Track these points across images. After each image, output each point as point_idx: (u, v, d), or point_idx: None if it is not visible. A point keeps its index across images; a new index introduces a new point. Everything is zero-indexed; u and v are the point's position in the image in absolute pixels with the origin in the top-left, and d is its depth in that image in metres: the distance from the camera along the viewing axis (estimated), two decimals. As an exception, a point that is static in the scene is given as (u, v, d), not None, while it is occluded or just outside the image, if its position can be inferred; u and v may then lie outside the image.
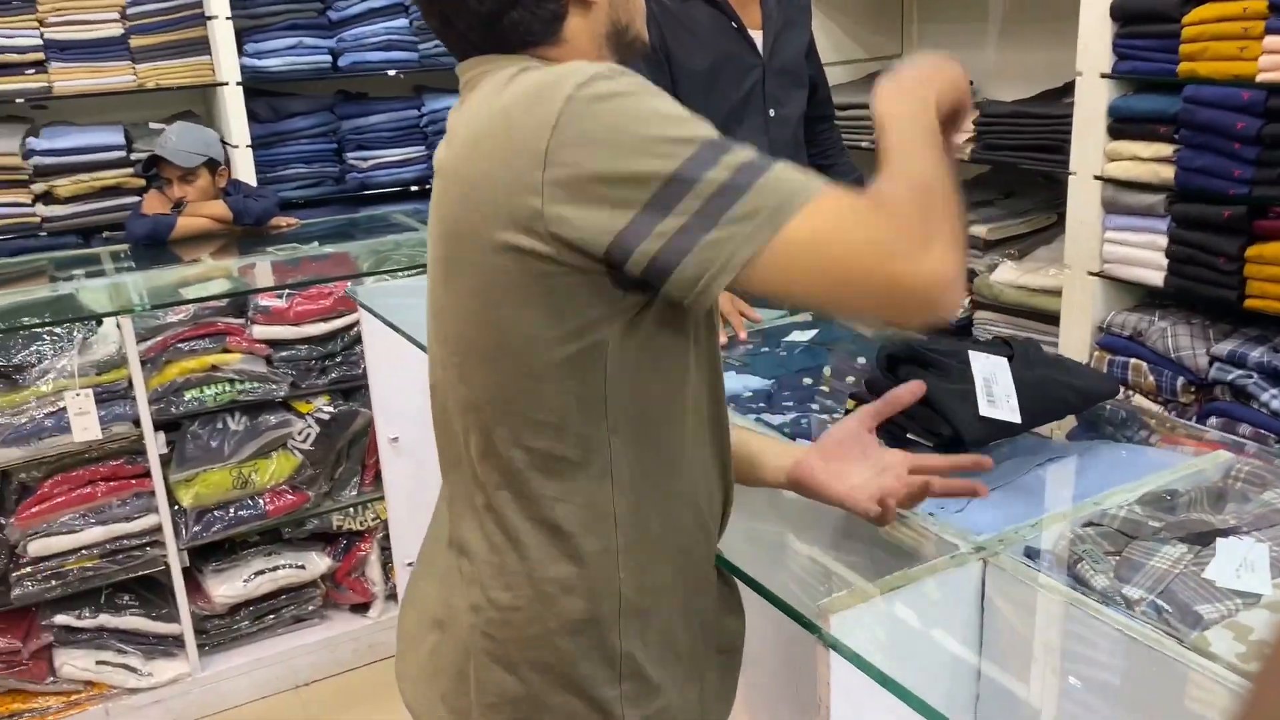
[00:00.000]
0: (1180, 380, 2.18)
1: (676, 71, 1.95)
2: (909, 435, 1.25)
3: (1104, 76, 2.23)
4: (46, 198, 3.33)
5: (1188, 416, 2.16)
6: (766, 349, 1.66)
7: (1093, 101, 2.26)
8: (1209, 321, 2.22)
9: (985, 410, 1.24)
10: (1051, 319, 2.52)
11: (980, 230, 2.72)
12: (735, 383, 1.50)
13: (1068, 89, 2.39)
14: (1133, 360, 2.28)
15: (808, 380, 1.50)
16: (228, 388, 2.44)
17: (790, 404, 1.41)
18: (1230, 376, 2.07)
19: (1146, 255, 2.25)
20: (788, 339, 1.71)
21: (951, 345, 1.33)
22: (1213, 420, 2.10)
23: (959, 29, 3.09)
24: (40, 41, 3.27)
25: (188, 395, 2.41)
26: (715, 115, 1.92)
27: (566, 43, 0.96)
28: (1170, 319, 2.25)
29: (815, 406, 1.40)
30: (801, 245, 0.78)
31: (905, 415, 1.25)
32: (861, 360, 1.58)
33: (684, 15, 1.96)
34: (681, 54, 1.95)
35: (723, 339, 1.75)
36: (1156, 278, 2.24)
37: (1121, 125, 2.23)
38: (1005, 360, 1.29)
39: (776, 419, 1.37)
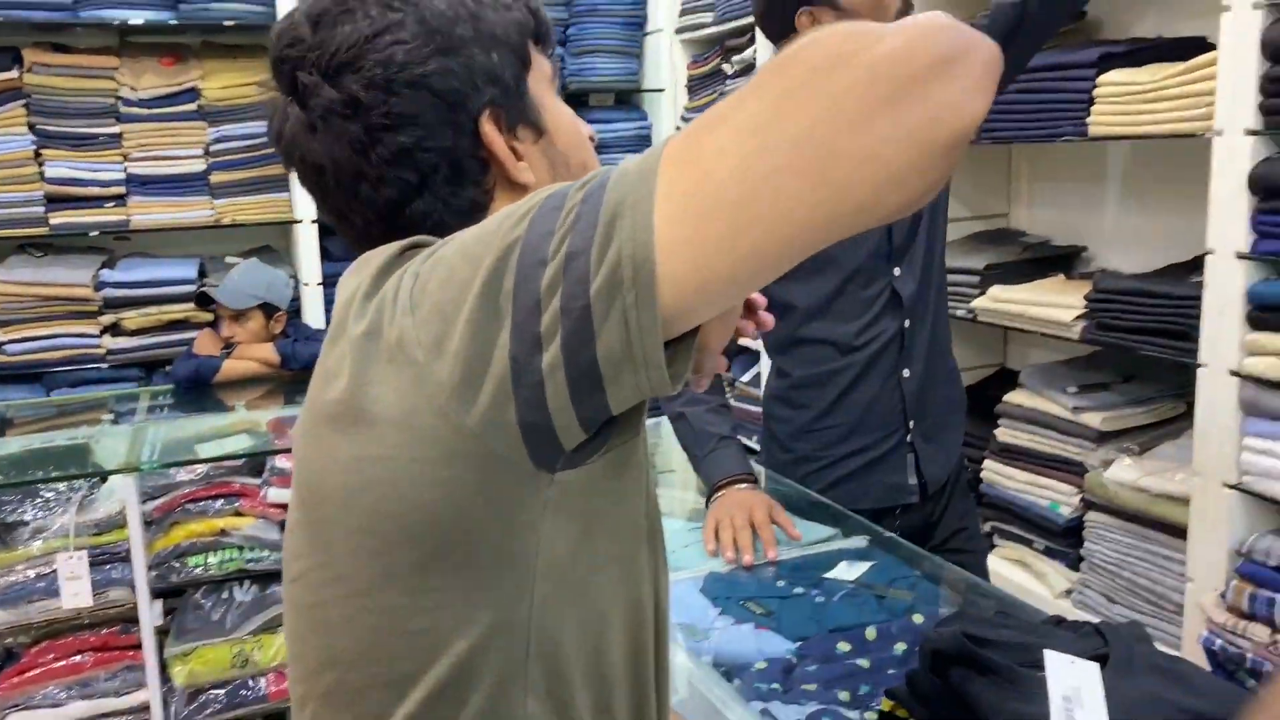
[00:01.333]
0: (1343, 629, 1.76)
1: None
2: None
3: (1240, 257, 1.89)
4: (114, 329, 3.30)
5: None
6: (801, 589, 1.35)
7: (1227, 284, 1.92)
8: (1380, 558, 1.80)
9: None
10: (1179, 532, 2.12)
11: (1094, 419, 2.35)
12: (749, 645, 1.19)
13: (1197, 264, 2.06)
14: (1280, 597, 1.87)
15: (844, 646, 1.18)
16: (236, 554, 2.24)
17: (813, 688, 1.09)
18: None
19: (1297, 471, 1.86)
20: (831, 574, 1.39)
21: (1021, 634, 1.00)
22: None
23: (1074, 188, 2.78)
24: (123, 176, 3.29)
25: (192, 561, 2.22)
26: (837, 272, 1.64)
27: None
28: (1329, 550, 1.84)
29: (844, 696, 1.08)
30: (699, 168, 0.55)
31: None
32: (919, 619, 1.25)
33: None
34: None
35: (746, 559, 1.45)
36: (1310, 499, 1.84)
37: (1263, 314, 1.88)
38: (1096, 667, 0.95)
39: (791, 714, 1.05)
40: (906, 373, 1.73)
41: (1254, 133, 1.85)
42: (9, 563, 2.12)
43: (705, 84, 3.80)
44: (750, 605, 1.31)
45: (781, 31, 1.66)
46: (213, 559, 2.23)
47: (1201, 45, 2.11)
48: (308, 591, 0.72)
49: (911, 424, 1.75)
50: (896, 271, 1.72)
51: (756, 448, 1.97)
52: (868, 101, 0.53)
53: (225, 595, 2.26)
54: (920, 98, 0.53)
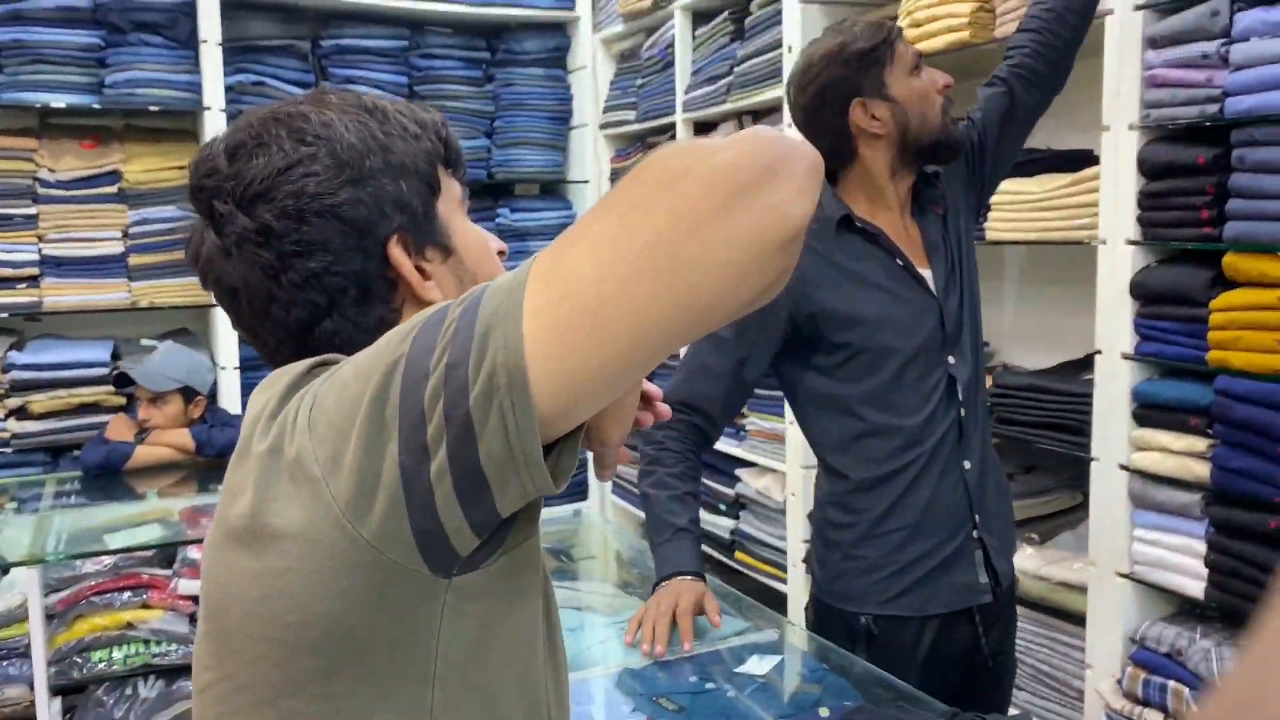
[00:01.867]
0: (1229, 715, 1.84)
1: (822, 320, 1.61)
2: None
3: (1125, 357, 2.01)
4: (20, 413, 3.21)
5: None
6: (713, 684, 1.38)
7: (1115, 383, 2.04)
8: (1260, 644, 1.89)
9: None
10: (1078, 620, 2.21)
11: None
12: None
13: (1089, 362, 2.18)
14: (1172, 683, 1.95)
15: (750, 742, 1.21)
16: (142, 649, 2.19)
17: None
18: (1289, 719, 1.73)
19: (1183, 561, 1.96)
20: (742, 669, 1.43)
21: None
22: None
23: (976, 286, 2.92)
24: (37, 257, 3.24)
25: (95, 656, 2.16)
26: (893, 364, 1.60)
27: None
28: (1214, 637, 1.93)
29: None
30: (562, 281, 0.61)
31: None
32: (825, 712, 1.29)
33: (841, 255, 1.63)
34: (843, 302, 1.61)
35: (658, 650, 1.47)
36: (1195, 588, 1.94)
37: (1148, 412, 2.00)
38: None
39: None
40: (967, 464, 1.65)
41: (1134, 243, 1.99)
42: (-102, 660, 2.03)
43: (627, 177, 3.91)
44: (663, 701, 1.34)
45: (835, 125, 1.62)
46: (117, 653, 2.17)
47: (1088, 159, 2.27)
48: (215, 701, 0.73)
49: (977, 518, 1.65)
50: (951, 359, 1.65)
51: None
52: (705, 210, 0.59)
53: (129, 691, 2.19)
54: (750, 204, 0.60)
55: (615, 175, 4.00)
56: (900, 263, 1.65)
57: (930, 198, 1.74)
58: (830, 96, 1.63)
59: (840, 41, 1.63)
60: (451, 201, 0.85)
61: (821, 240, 1.62)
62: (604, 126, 4.02)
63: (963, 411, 1.63)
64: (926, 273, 1.68)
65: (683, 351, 1.79)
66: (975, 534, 1.65)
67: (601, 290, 0.59)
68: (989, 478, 1.68)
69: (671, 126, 3.58)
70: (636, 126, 3.81)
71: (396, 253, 0.80)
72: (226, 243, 0.78)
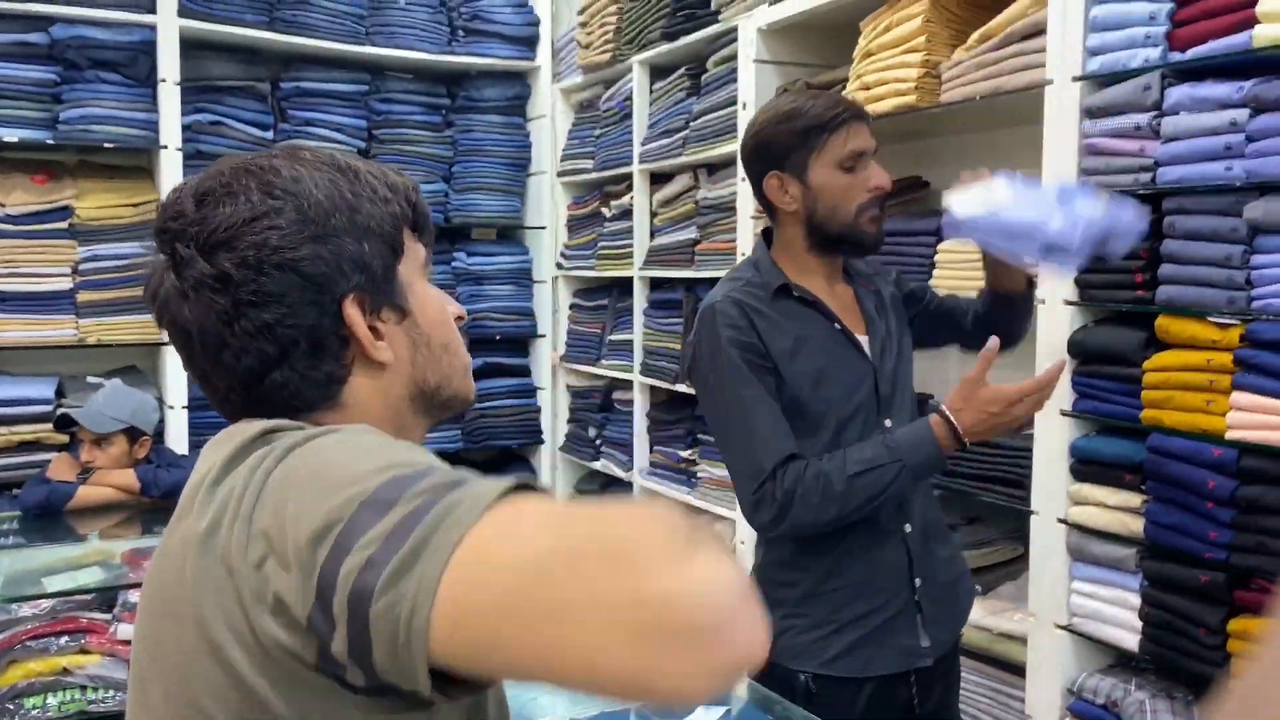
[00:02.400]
0: (1163, 767, 1.88)
1: (786, 380, 1.64)
2: None
3: (1064, 414, 2.07)
4: (-42, 450, 3.15)
5: (1173, 812, 1.85)
6: (658, 739, 1.39)
7: (1053, 439, 2.10)
8: (1193, 697, 1.94)
9: None
10: (1019, 670, 2.25)
11: (940, 559, 2.48)
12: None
13: (1030, 420, 2.24)
14: (1108, 734, 1.99)
15: (695, 791, 1.23)
16: (78, 695, 2.14)
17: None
18: (1219, 771, 1.78)
19: (1118, 614, 2.01)
20: (689, 719, 1.44)
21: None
22: (1202, 822, 1.79)
23: (922, 340, 2.99)
24: (-18, 291, 3.20)
25: (29, 703, 2.10)
26: (831, 423, 1.64)
27: (347, 407, 0.83)
28: (1149, 689, 1.98)
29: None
30: (488, 560, 0.56)
31: None
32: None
33: (778, 317, 1.66)
34: (784, 360, 1.64)
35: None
36: (1130, 640, 1.99)
37: (1085, 467, 2.05)
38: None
39: None
40: (908, 527, 1.69)
41: (1072, 303, 2.06)
42: None
43: (585, 224, 3.96)
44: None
45: (759, 185, 1.71)
46: (52, 700, 2.12)
47: (1028, 220, 2.34)
48: None
49: (918, 581, 1.69)
50: (888, 423, 1.70)
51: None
52: (627, 631, 0.52)
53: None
54: (696, 645, 0.52)
55: (571, 222, 4.05)
56: (838, 326, 1.70)
57: (863, 274, 1.81)
58: (759, 156, 1.69)
59: (789, 110, 1.66)
60: (414, 264, 0.87)
61: (765, 304, 1.67)
62: (562, 174, 4.07)
63: None
64: (863, 338, 1.73)
65: (721, 446, 1.79)
66: (915, 597, 1.68)
67: (509, 607, 0.55)
68: (932, 543, 1.71)
69: (628, 176, 3.63)
70: (594, 175, 3.87)
71: (351, 311, 0.81)
72: (185, 285, 0.80)
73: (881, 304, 1.80)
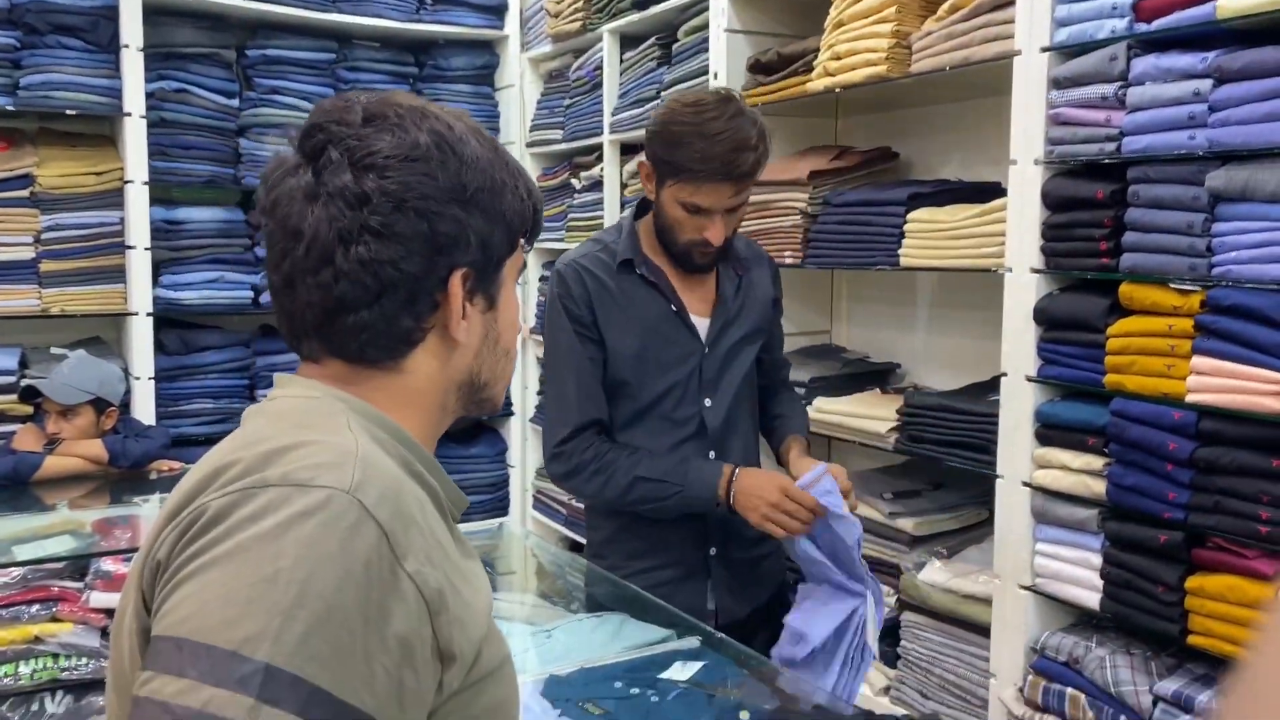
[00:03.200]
0: None
1: (609, 349, 1.80)
2: None
3: (1029, 380, 2.12)
4: (-80, 421, 3.10)
5: (1132, 763, 1.91)
6: (637, 690, 1.42)
7: (1019, 404, 2.14)
8: (1151, 653, 2.00)
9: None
10: (983, 630, 2.30)
11: (908, 524, 2.54)
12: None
13: (995, 384, 2.29)
14: (1070, 690, 2.05)
15: (675, 742, 1.26)
16: (50, 663, 2.13)
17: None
18: (1176, 722, 1.84)
19: (1080, 574, 2.06)
20: (665, 675, 1.47)
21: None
22: (1159, 772, 1.85)
23: (888, 310, 3.03)
24: (-58, 261, 3.15)
25: (1, 671, 2.10)
26: (647, 395, 1.75)
27: (404, 375, 0.84)
28: (1109, 646, 2.04)
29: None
30: None
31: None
32: (746, 716, 1.34)
33: (617, 289, 1.80)
34: (610, 331, 1.79)
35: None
36: (1092, 599, 2.04)
37: (1049, 432, 2.10)
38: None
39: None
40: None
41: (1038, 271, 2.10)
42: None
43: (556, 195, 3.95)
44: (588, 706, 1.37)
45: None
46: (24, 668, 2.11)
47: (997, 191, 2.38)
48: None
49: (713, 550, 1.84)
50: (707, 402, 1.83)
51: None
52: None
53: (35, 708, 2.13)
54: None
55: (544, 194, 4.04)
56: (674, 308, 1.83)
57: (737, 257, 1.90)
58: (646, 137, 1.77)
59: (679, 129, 1.69)
60: (514, 266, 0.90)
61: (609, 275, 1.81)
62: (531, 145, 4.06)
63: (712, 454, 1.83)
64: (702, 320, 1.85)
65: (544, 395, 1.96)
66: (707, 564, 1.85)
67: None
68: (739, 519, 1.77)
69: (599, 147, 3.63)
70: (563, 146, 3.86)
71: (455, 283, 0.82)
72: (320, 189, 0.79)
73: (743, 288, 1.90)
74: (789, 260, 2.77)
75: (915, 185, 2.58)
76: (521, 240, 0.90)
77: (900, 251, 2.49)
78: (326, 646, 0.64)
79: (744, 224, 2.67)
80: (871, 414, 2.60)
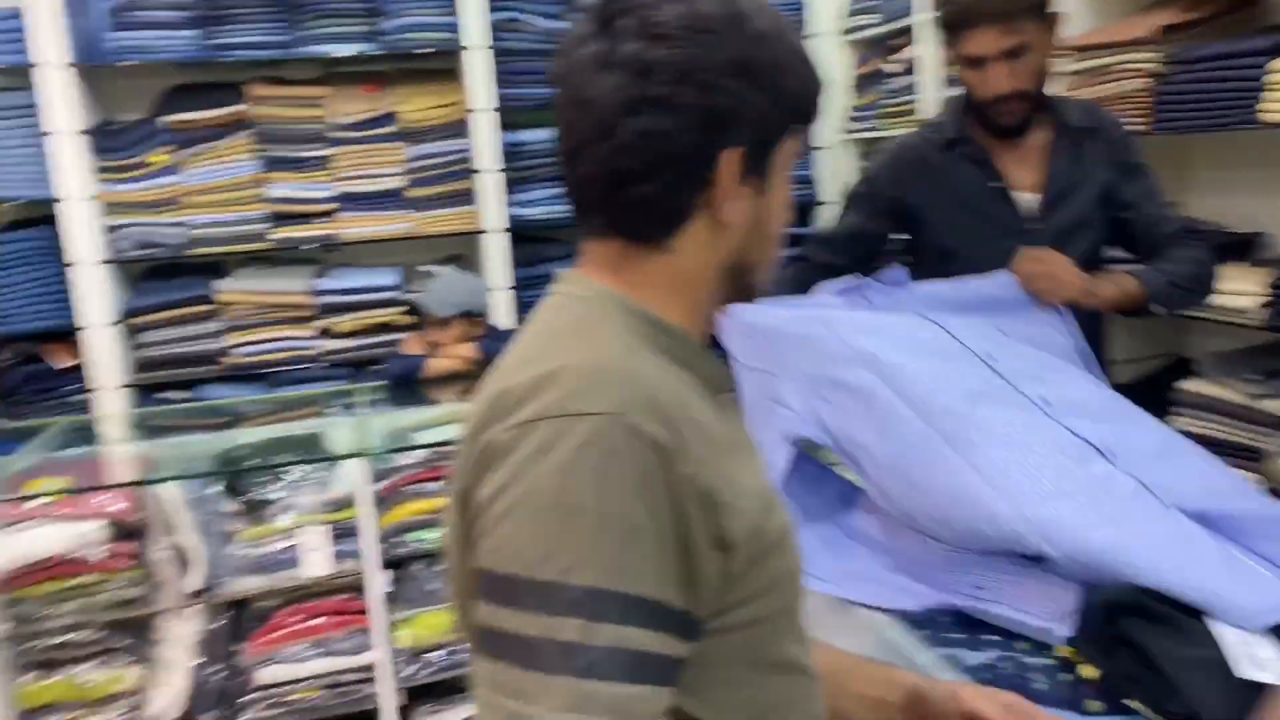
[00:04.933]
0: None
1: (920, 227, 1.90)
2: (1128, 703, 1.04)
3: None
4: (327, 332, 3.64)
5: None
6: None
7: None
8: None
9: (1248, 671, 1.00)
10: None
11: (1275, 406, 2.34)
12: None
13: None
14: None
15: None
16: (449, 532, 2.49)
17: (995, 637, 1.21)
18: None
19: None
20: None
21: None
22: None
23: (1249, 175, 2.75)
24: (332, 194, 3.63)
25: (411, 537, 2.49)
26: (967, 268, 1.79)
27: (674, 253, 0.85)
28: None
29: (1023, 646, 1.20)
30: None
31: (1129, 679, 1.04)
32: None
33: (940, 167, 1.89)
34: (929, 210, 1.89)
35: None
36: None
37: None
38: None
39: (973, 659, 1.18)
40: None
41: None
42: (260, 536, 2.43)
43: (868, 84, 3.88)
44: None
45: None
46: (430, 535, 2.48)
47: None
48: None
49: None
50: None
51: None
52: None
53: (442, 568, 2.51)
54: None
55: (860, 82, 3.97)
56: (993, 184, 1.84)
57: (1076, 127, 1.86)
58: (939, 26, 1.81)
59: None
60: (789, 152, 0.87)
61: (936, 151, 1.88)
62: (847, 31, 3.99)
63: None
64: (1030, 197, 1.84)
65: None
66: None
67: None
68: None
69: (910, 29, 3.51)
70: (879, 29, 3.76)
71: (728, 162, 0.82)
72: (610, 57, 0.80)
73: (1078, 160, 1.86)
74: (1137, 128, 2.58)
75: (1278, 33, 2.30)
76: (798, 125, 0.87)
77: (1259, 107, 2.25)
78: (630, 558, 0.71)
79: (1080, 91, 2.54)
80: (1236, 289, 2.40)
